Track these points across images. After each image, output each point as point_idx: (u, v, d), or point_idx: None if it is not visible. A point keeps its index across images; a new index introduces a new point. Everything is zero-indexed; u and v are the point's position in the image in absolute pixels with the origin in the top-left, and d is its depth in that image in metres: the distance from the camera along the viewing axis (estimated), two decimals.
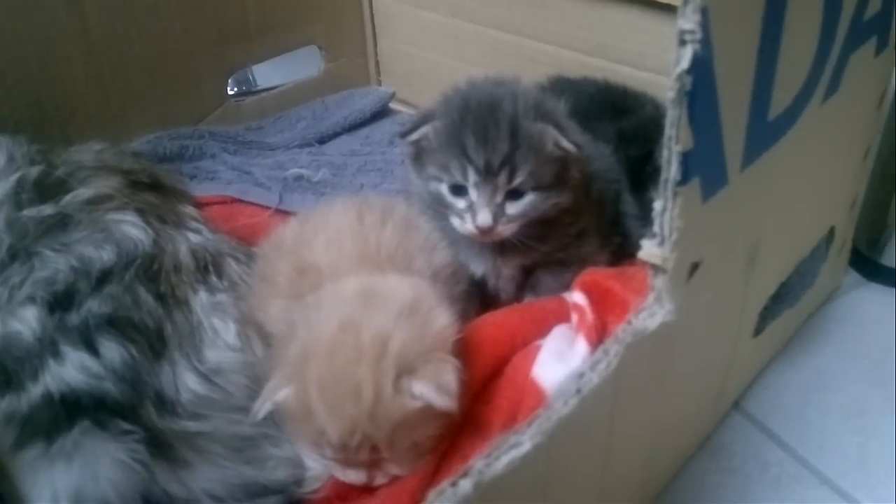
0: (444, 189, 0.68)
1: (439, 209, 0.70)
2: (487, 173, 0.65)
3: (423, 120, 0.69)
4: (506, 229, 0.67)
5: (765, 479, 0.73)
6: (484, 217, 0.66)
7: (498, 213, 0.66)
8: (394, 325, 0.56)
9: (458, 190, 0.67)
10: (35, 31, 0.92)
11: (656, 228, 0.50)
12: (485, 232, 0.66)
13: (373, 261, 0.65)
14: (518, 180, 0.65)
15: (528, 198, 0.66)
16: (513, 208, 0.67)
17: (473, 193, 0.66)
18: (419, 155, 0.70)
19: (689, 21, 0.43)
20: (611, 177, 0.78)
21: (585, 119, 0.83)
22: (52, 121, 0.96)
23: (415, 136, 0.69)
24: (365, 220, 0.68)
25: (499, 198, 0.66)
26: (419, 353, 0.55)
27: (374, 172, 1.07)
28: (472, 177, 0.66)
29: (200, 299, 0.64)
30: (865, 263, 0.98)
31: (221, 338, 0.63)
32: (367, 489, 0.57)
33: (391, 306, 0.57)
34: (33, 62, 0.93)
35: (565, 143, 0.65)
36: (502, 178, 0.65)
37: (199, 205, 0.79)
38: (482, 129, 0.65)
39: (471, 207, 0.67)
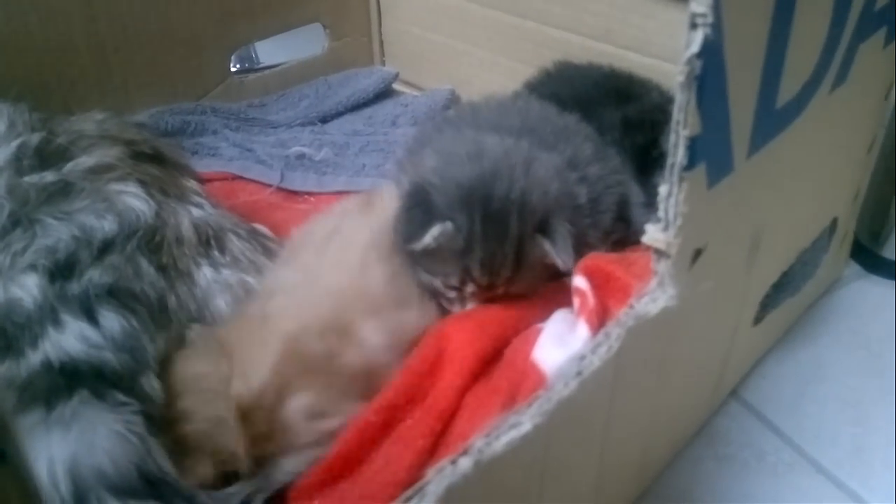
0: (437, 283, 0.68)
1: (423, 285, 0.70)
2: (488, 288, 0.67)
3: (427, 219, 0.65)
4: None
5: (760, 467, 0.73)
6: (473, 306, 0.68)
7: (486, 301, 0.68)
8: None
9: (453, 287, 0.68)
10: None
11: (661, 213, 0.50)
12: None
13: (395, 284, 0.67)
14: (513, 288, 0.67)
15: (516, 287, 0.68)
16: (499, 296, 0.68)
17: (468, 293, 0.68)
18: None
19: (701, 4, 0.43)
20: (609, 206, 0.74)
21: (590, 105, 0.83)
22: (53, 91, 0.96)
23: (426, 241, 0.64)
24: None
25: (491, 295, 0.68)
26: None
27: (377, 153, 1.07)
28: (471, 288, 0.67)
29: (204, 274, 0.64)
30: (866, 255, 0.98)
31: (226, 314, 0.63)
32: (360, 467, 0.57)
33: None
34: (36, 31, 0.93)
35: (560, 265, 0.65)
36: (500, 289, 0.67)
37: (201, 179, 0.79)
38: (489, 256, 0.65)
39: (461, 299, 0.68)
